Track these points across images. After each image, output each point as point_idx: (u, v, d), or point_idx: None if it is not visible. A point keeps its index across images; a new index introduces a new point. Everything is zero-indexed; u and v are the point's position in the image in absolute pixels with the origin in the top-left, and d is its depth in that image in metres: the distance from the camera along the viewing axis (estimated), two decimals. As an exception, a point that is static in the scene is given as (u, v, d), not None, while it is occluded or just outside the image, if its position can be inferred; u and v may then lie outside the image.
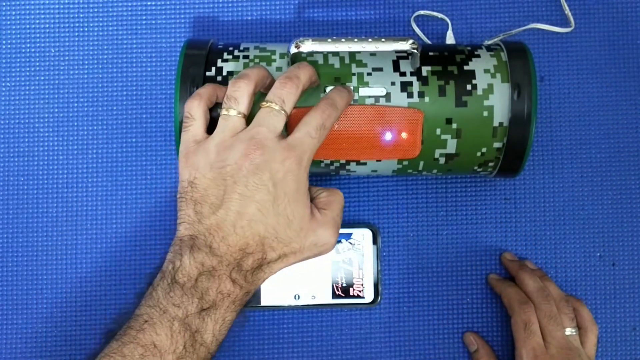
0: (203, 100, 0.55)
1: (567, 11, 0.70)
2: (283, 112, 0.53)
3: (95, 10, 0.71)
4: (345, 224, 0.69)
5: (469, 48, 0.60)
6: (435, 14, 0.71)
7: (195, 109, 0.55)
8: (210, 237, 0.52)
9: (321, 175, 0.64)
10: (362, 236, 0.69)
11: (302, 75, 0.55)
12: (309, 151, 0.53)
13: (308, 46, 0.55)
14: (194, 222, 0.53)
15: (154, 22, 0.71)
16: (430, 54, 0.59)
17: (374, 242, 0.69)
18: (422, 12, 0.71)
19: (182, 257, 0.51)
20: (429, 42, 0.71)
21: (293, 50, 0.56)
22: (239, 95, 0.54)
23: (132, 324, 0.51)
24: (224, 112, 0.54)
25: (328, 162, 0.60)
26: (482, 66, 0.58)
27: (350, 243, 0.68)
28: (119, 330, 0.52)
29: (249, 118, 0.54)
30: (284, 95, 0.54)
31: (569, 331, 0.64)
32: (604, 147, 0.70)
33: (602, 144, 0.70)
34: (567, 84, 0.71)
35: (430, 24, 0.71)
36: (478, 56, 0.59)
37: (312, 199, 0.56)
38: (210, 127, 0.55)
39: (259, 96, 0.56)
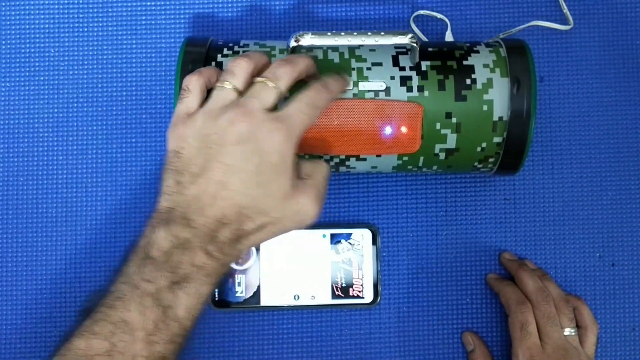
0: (202, 77, 0.55)
1: (566, 10, 0.70)
2: (277, 89, 0.53)
3: (95, 10, 0.71)
4: (344, 224, 0.69)
5: (467, 44, 0.61)
6: (434, 14, 0.71)
7: (194, 83, 0.55)
8: (189, 209, 0.51)
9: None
10: (362, 236, 0.69)
11: (300, 61, 0.55)
12: (299, 127, 0.53)
13: (308, 40, 0.56)
14: (173, 193, 0.52)
15: (153, 22, 0.71)
16: (430, 49, 0.60)
17: (374, 242, 0.69)
18: (421, 11, 0.71)
19: (156, 230, 0.51)
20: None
21: (293, 44, 0.56)
22: (236, 70, 0.54)
23: (105, 300, 0.51)
24: (218, 84, 0.54)
25: (327, 157, 0.60)
26: (481, 61, 0.59)
27: (350, 243, 0.68)
28: (93, 308, 0.51)
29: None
30: (279, 74, 0.53)
31: (567, 331, 0.64)
32: (604, 147, 0.70)
33: (601, 144, 0.70)
34: (566, 84, 0.71)
35: (429, 24, 0.71)
36: (477, 52, 0.59)
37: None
38: None
39: None
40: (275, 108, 0.53)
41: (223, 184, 0.51)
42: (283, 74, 0.53)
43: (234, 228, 0.51)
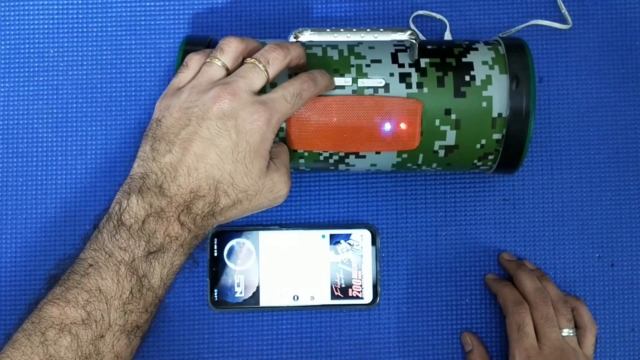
0: (204, 57, 0.56)
1: (564, 10, 0.70)
2: (265, 72, 0.54)
3: (94, 10, 0.71)
4: (344, 225, 0.69)
5: (466, 42, 0.61)
6: (433, 14, 0.71)
7: (194, 61, 0.56)
8: (162, 177, 0.51)
9: (320, 171, 0.64)
10: (361, 237, 0.68)
11: (292, 49, 0.55)
12: (281, 114, 0.53)
13: (307, 36, 0.56)
14: (148, 159, 0.52)
15: (153, 22, 0.71)
16: (429, 47, 0.60)
17: (373, 242, 0.68)
18: (420, 12, 0.71)
19: (129, 197, 0.51)
20: (428, 41, 0.71)
21: (292, 40, 0.56)
22: (227, 48, 0.55)
23: (76, 268, 0.50)
24: (208, 60, 0.55)
25: (327, 154, 0.60)
26: (480, 58, 0.59)
27: (349, 244, 0.68)
28: (62, 275, 0.51)
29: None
30: (270, 58, 0.54)
31: (565, 332, 0.64)
32: (603, 148, 0.70)
33: (601, 145, 0.71)
34: (566, 84, 0.71)
35: (429, 24, 0.71)
36: (476, 49, 0.60)
37: None
38: None
39: None
40: (260, 92, 0.54)
41: (200, 157, 0.52)
42: (274, 59, 0.54)
43: (209, 202, 0.52)
